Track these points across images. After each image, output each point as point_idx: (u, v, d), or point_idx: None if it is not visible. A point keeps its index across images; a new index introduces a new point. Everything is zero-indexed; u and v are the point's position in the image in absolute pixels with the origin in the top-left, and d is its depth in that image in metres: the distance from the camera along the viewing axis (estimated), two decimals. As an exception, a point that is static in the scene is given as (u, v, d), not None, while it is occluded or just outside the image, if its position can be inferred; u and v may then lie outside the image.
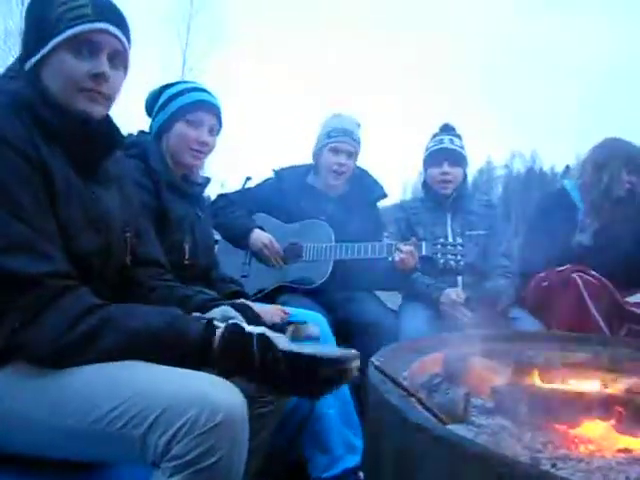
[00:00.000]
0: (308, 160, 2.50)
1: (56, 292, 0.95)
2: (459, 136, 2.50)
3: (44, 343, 0.92)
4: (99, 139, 1.13)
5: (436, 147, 2.46)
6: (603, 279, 2.15)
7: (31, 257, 0.93)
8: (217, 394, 0.91)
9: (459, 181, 2.45)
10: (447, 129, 2.53)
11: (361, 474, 1.51)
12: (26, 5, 1.13)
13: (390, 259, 2.11)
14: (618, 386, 1.17)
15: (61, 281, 0.97)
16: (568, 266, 2.23)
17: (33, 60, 1.07)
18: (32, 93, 1.04)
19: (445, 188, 2.43)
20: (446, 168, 2.41)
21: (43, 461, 0.98)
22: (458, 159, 2.45)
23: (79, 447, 0.96)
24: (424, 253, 2.15)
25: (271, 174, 2.49)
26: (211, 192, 2.78)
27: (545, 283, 2.26)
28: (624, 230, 2.27)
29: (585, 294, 2.09)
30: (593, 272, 2.17)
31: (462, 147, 2.47)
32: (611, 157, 2.38)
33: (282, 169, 2.49)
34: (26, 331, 0.92)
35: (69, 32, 1.05)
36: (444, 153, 2.43)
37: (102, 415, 0.91)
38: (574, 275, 2.15)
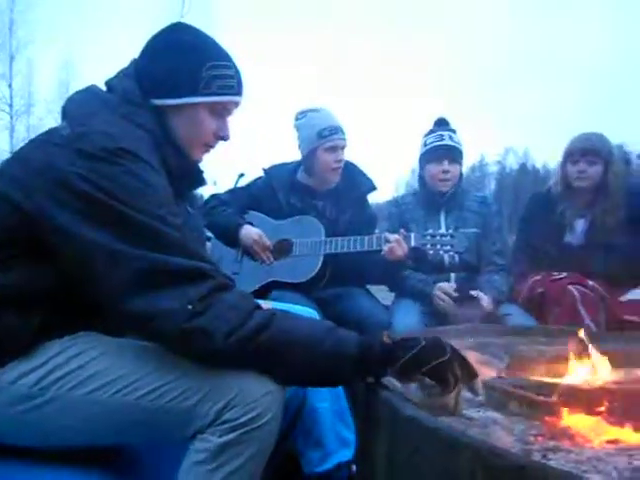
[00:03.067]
0: (296, 157, 2.47)
1: (222, 286, 0.98)
2: (455, 131, 2.45)
3: (219, 336, 0.93)
4: (195, 179, 1.27)
5: (436, 143, 2.39)
6: (600, 289, 2.13)
7: (191, 256, 0.98)
8: (261, 374, 0.98)
9: (457, 178, 2.42)
10: (443, 124, 2.48)
11: (354, 467, 1.51)
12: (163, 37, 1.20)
13: (382, 252, 2.09)
14: (607, 378, 1.18)
15: (222, 277, 1.01)
16: (564, 275, 2.21)
17: (167, 102, 1.15)
18: (161, 133, 1.13)
19: (444, 186, 2.39)
20: (446, 166, 2.36)
21: (68, 452, 1.00)
22: (457, 156, 2.41)
23: (116, 426, 0.98)
24: (413, 244, 2.10)
25: (262, 173, 2.48)
26: (204, 191, 2.78)
27: (540, 289, 2.24)
28: (610, 227, 2.28)
29: (582, 309, 2.07)
30: (591, 282, 2.15)
31: (460, 143, 2.43)
32: (566, 153, 2.41)
33: (271, 167, 2.48)
34: (198, 322, 0.92)
35: (216, 99, 1.17)
36: (444, 150, 2.38)
37: (150, 390, 0.95)
38: (571, 287, 2.13)
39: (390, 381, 1.03)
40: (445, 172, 2.37)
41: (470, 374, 1.02)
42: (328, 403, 1.52)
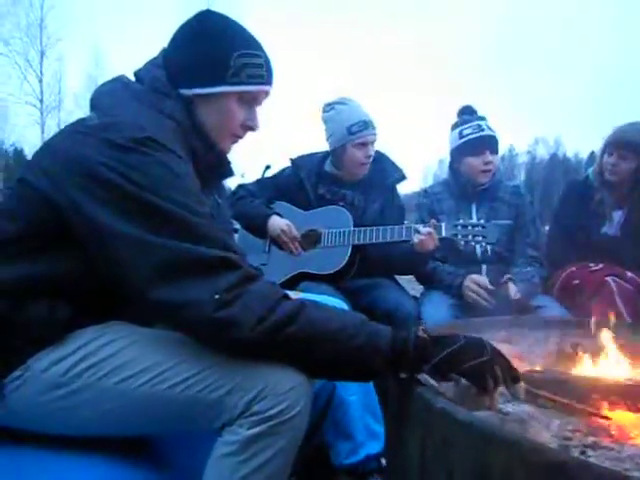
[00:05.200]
0: (324, 147, 2.44)
1: (250, 276, 0.97)
2: (485, 118, 2.36)
3: (246, 326, 0.92)
4: (223, 169, 1.25)
5: (476, 135, 2.29)
6: (638, 281, 2.06)
7: (218, 246, 0.97)
8: (292, 367, 0.97)
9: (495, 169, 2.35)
10: (468, 112, 2.40)
11: (383, 460, 1.50)
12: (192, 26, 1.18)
13: (411, 243, 2.04)
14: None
15: (249, 268, 1.00)
16: (602, 266, 2.15)
17: (195, 91, 1.13)
18: (189, 123, 1.13)
19: (485, 177, 2.32)
20: (489, 157, 2.28)
21: (96, 441, 1.00)
22: (496, 146, 2.34)
23: (145, 415, 0.98)
24: (444, 234, 2.05)
25: (289, 163, 2.47)
26: (231, 182, 2.78)
27: (576, 281, 2.18)
28: None
29: (619, 301, 2.01)
30: (630, 274, 2.08)
31: (495, 131, 2.34)
32: (604, 143, 2.31)
33: (299, 157, 2.46)
34: (226, 312, 0.92)
35: (245, 88, 1.15)
36: (485, 141, 2.30)
37: (180, 380, 0.95)
38: (609, 279, 2.07)
39: (424, 377, 1.01)
40: (487, 163, 2.29)
41: (513, 378, 0.99)
42: (357, 396, 1.51)
